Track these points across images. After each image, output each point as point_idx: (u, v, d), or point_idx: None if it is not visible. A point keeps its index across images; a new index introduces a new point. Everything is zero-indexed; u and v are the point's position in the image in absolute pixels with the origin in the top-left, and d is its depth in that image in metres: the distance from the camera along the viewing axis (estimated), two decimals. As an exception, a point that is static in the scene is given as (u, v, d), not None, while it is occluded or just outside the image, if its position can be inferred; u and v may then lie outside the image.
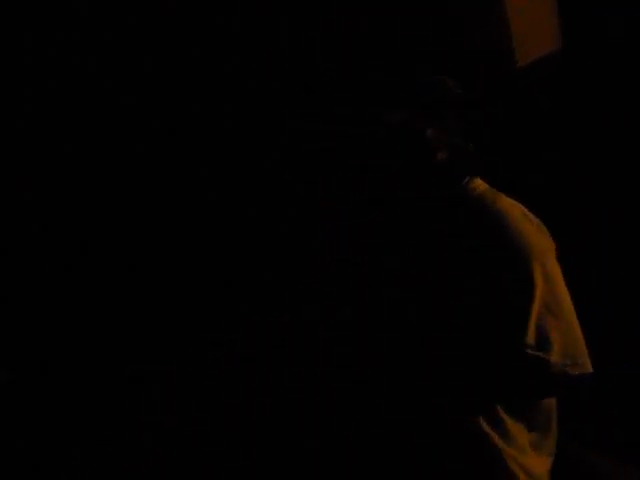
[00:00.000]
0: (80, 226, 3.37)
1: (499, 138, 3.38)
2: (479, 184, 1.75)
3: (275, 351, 2.76)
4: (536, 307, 1.57)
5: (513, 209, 1.67)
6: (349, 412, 1.80)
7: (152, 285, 3.29)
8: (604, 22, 3.33)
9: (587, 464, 2.69)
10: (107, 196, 3.36)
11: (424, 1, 3.47)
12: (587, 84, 3.35)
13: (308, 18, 3.32)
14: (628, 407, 3.08)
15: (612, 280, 3.23)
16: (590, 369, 1.63)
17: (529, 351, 1.56)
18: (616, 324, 3.09)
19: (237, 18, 3.29)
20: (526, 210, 1.69)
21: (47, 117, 3.27)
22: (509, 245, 1.57)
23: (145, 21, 3.26)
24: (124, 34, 3.28)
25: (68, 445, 3.20)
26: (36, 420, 3.21)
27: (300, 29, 3.31)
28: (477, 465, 1.67)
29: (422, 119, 1.64)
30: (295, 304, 2.56)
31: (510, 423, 1.67)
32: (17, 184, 3.29)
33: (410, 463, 1.71)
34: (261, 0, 3.26)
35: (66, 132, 3.32)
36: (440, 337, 1.65)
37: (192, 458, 3.01)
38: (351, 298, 1.78)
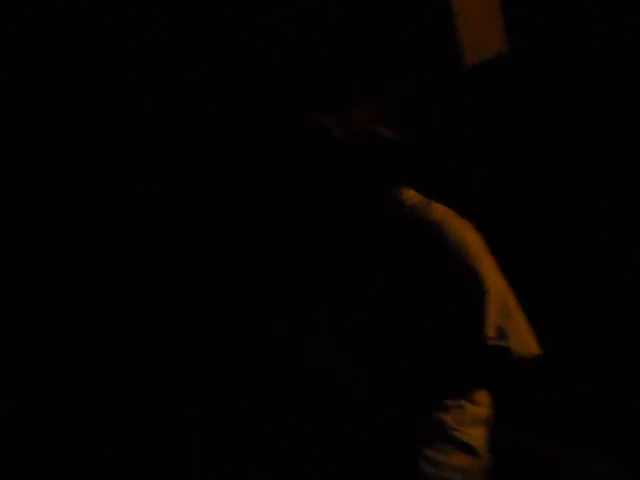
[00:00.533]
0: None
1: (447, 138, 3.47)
2: (411, 195, 1.78)
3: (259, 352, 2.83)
4: (490, 300, 1.68)
5: (447, 216, 1.74)
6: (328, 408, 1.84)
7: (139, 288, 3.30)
8: (549, 24, 3.39)
9: (568, 463, 2.74)
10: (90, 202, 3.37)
11: (375, 2, 3.51)
12: (533, 86, 3.39)
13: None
14: (607, 403, 3.13)
15: (548, 267, 3.35)
16: (540, 351, 1.76)
17: (491, 342, 1.68)
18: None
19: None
20: (456, 214, 1.75)
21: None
22: (454, 252, 1.67)
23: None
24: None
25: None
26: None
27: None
28: (430, 447, 1.75)
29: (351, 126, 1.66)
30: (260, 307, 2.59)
31: (468, 408, 1.79)
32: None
33: (379, 449, 1.78)
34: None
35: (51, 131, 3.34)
36: (405, 339, 1.73)
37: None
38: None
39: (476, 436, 1.80)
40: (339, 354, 1.72)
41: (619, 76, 3.21)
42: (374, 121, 1.67)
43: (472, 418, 1.80)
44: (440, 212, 1.75)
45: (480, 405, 1.84)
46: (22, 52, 3.31)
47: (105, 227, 3.40)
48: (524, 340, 1.73)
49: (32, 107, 3.35)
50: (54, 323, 3.32)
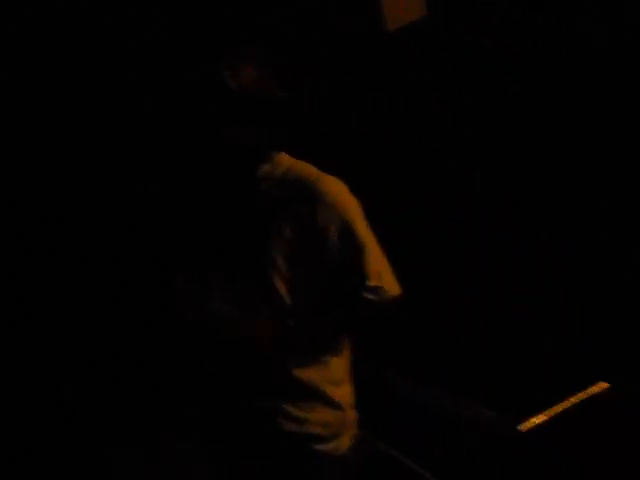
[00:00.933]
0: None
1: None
2: (284, 158, 1.84)
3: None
4: (369, 249, 1.78)
5: (322, 175, 1.80)
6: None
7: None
8: None
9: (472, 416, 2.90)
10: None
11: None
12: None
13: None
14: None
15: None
16: (400, 291, 1.84)
17: (372, 283, 1.77)
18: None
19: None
20: (327, 174, 1.85)
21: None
22: (333, 207, 1.75)
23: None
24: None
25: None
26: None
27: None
28: (296, 406, 1.80)
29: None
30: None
31: (325, 358, 1.83)
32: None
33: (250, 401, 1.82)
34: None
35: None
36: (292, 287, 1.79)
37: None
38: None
39: (343, 393, 1.85)
40: (240, 307, 1.77)
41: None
42: (267, 79, 1.73)
43: (337, 375, 1.84)
44: (314, 171, 1.81)
45: (344, 359, 1.88)
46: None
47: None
48: (391, 281, 1.82)
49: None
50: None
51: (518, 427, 2.91)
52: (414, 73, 3.68)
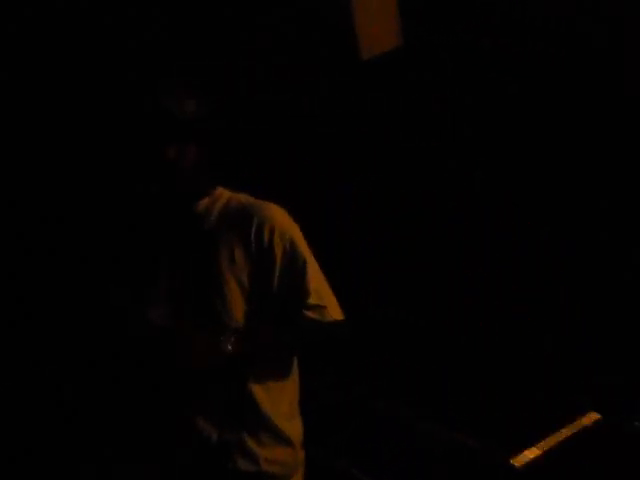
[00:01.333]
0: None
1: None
2: (223, 192, 1.93)
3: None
4: (310, 270, 1.83)
5: (262, 204, 1.88)
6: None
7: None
8: (443, 21, 3.50)
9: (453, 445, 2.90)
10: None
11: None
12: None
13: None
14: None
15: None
16: (343, 317, 1.88)
17: (313, 301, 1.81)
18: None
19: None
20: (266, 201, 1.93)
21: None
22: (276, 226, 1.82)
23: None
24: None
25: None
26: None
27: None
28: (253, 429, 1.82)
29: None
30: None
31: (276, 390, 1.86)
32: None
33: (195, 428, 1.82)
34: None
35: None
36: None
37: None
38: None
39: (294, 428, 1.86)
40: (178, 322, 1.80)
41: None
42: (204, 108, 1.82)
43: (287, 408, 1.86)
44: (254, 199, 1.89)
45: (293, 392, 1.90)
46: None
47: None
48: (334, 305, 1.86)
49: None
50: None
51: (511, 461, 2.88)
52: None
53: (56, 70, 3.36)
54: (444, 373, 3.42)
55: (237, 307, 1.80)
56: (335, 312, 1.85)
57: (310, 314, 1.82)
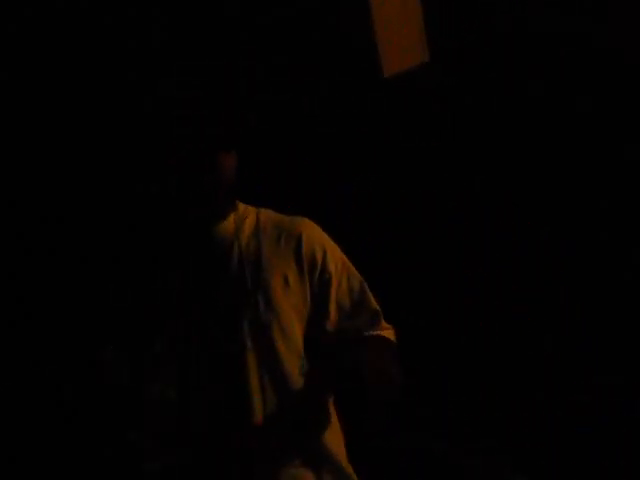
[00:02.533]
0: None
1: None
2: (245, 207, 1.70)
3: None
4: (369, 291, 1.68)
5: (293, 217, 1.70)
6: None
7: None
8: (469, 35, 3.41)
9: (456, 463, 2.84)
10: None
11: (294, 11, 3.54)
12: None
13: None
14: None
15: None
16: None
17: (383, 321, 1.66)
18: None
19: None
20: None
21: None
22: (325, 245, 1.64)
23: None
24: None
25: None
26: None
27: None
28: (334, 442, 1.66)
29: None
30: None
31: (335, 427, 1.68)
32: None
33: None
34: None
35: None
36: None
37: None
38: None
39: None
40: (181, 387, 1.56)
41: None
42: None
43: (340, 443, 1.68)
44: (286, 216, 1.70)
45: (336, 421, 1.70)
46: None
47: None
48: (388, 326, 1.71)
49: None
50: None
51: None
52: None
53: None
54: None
55: (298, 340, 1.58)
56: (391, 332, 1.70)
57: (386, 334, 1.65)
